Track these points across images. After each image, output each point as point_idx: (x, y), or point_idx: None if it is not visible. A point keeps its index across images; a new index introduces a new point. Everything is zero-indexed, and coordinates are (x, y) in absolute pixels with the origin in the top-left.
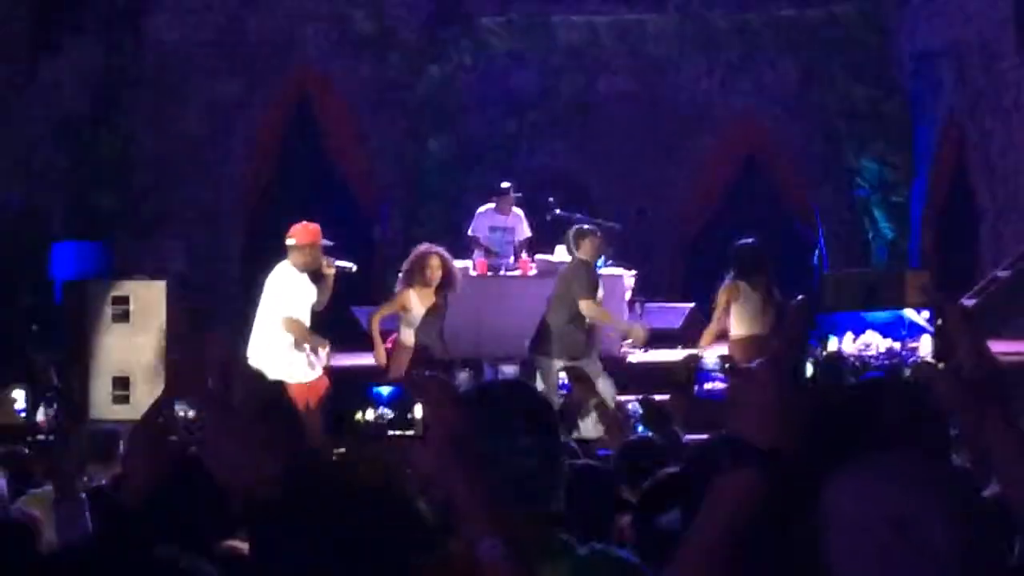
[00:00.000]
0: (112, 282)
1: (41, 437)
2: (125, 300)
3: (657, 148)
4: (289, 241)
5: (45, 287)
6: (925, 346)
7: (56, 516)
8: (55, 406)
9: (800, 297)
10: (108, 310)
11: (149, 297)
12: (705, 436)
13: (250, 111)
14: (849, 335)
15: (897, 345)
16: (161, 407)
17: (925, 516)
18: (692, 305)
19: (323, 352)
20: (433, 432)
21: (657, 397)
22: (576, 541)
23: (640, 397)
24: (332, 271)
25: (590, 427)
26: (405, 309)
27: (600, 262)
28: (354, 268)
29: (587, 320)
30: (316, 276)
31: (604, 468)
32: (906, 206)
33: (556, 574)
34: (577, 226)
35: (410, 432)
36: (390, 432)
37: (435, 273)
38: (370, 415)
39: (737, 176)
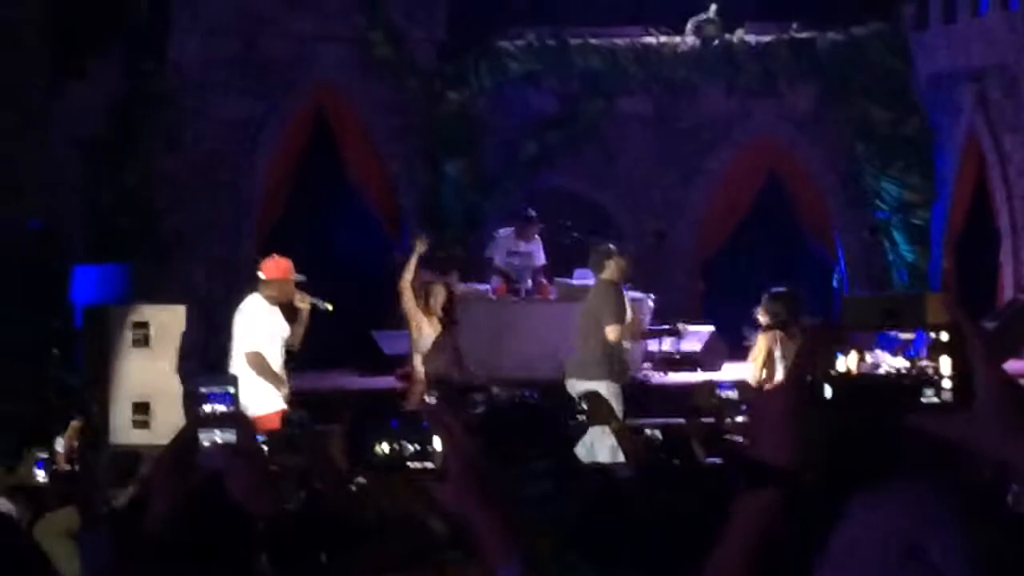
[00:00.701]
0: (132, 307)
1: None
2: (145, 325)
3: (676, 170)
4: (259, 275)
5: (66, 311)
6: (945, 367)
7: (82, 546)
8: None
9: (819, 320)
10: (128, 335)
11: (169, 322)
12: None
13: (269, 131)
14: (853, 354)
15: (908, 363)
16: (187, 435)
17: (938, 545)
18: (712, 328)
19: (283, 391)
20: (451, 465)
21: (676, 421)
22: (593, 564)
23: (661, 423)
24: (306, 306)
25: (607, 452)
26: (419, 330)
27: None
28: (330, 308)
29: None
30: (290, 312)
31: (625, 489)
32: (926, 228)
33: None
34: (600, 246)
35: (429, 464)
36: (408, 464)
37: (438, 301)
38: (388, 448)
39: (756, 198)
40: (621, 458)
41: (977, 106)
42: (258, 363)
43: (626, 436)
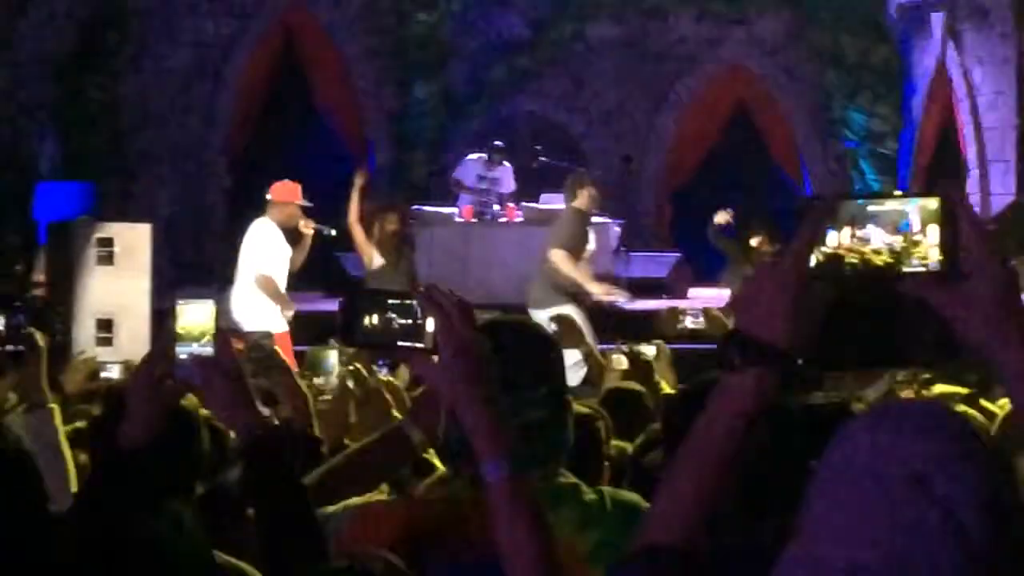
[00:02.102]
0: (97, 223)
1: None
2: (110, 242)
3: (645, 96)
4: (268, 196)
5: (29, 227)
6: (932, 236)
7: (27, 424)
8: (22, 317)
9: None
10: (92, 251)
11: (134, 240)
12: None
13: (237, 52)
14: (846, 229)
15: (900, 239)
16: (163, 347)
17: (944, 477)
18: (678, 254)
19: (288, 313)
20: (442, 346)
21: (640, 347)
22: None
23: (624, 348)
24: (310, 232)
25: (570, 375)
26: (371, 261)
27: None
28: (334, 233)
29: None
30: (294, 236)
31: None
32: (894, 158)
33: (566, 518)
34: (575, 174)
35: (419, 344)
36: (400, 343)
37: (386, 230)
38: (376, 320)
39: (725, 125)
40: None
41: (946, 36)
42: (268, 285)
43: (595, 360)
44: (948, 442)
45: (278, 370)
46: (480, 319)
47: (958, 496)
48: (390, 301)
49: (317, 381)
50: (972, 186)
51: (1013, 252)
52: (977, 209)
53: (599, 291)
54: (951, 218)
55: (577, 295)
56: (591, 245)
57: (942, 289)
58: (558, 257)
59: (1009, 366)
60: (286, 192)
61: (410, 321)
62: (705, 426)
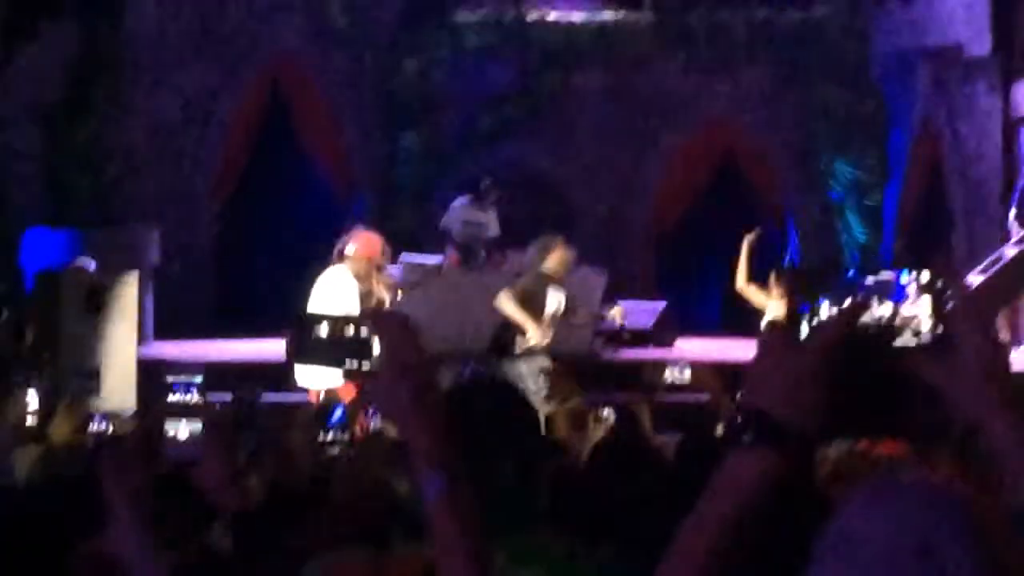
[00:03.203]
0: (84, 272)
1: None
2: (97, 291)
3: (631, 147)
4: (348, 247)
5: (16, 275)
6: (924, 308)
7: None
8: None
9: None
10: (79, 301)
11: (121, 288)
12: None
13: (225, 100)
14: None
15: (889, 309)
16: (153, 423)
17: (953, 545)
18: (664, 304)
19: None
20: (387, 365)
21: (624, 395)
22: (557, 541)
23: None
24: (382, 289)
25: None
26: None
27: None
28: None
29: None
30: (367, 292)
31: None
32: (879, 209)
33: None
34: (546, 235)
35: (366, 365)
36: (347, 364)
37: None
38: (324, 331)
39: (711, 176)
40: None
41: (933, 88)
42: None
43: (582, 413)
44: (956, 516)
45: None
46: (457, 379)
47: (966, 569)
48: (340, 321)
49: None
50: (958, 239)
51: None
52: (964, 268)
53: (538, 336)
54: (941, 292)
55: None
56: (551, 307)
57: (932, 362)
58: (502, 297)
59: (998, 440)
60: (367, 246)
61: (360, 335)
62: (711, 502)
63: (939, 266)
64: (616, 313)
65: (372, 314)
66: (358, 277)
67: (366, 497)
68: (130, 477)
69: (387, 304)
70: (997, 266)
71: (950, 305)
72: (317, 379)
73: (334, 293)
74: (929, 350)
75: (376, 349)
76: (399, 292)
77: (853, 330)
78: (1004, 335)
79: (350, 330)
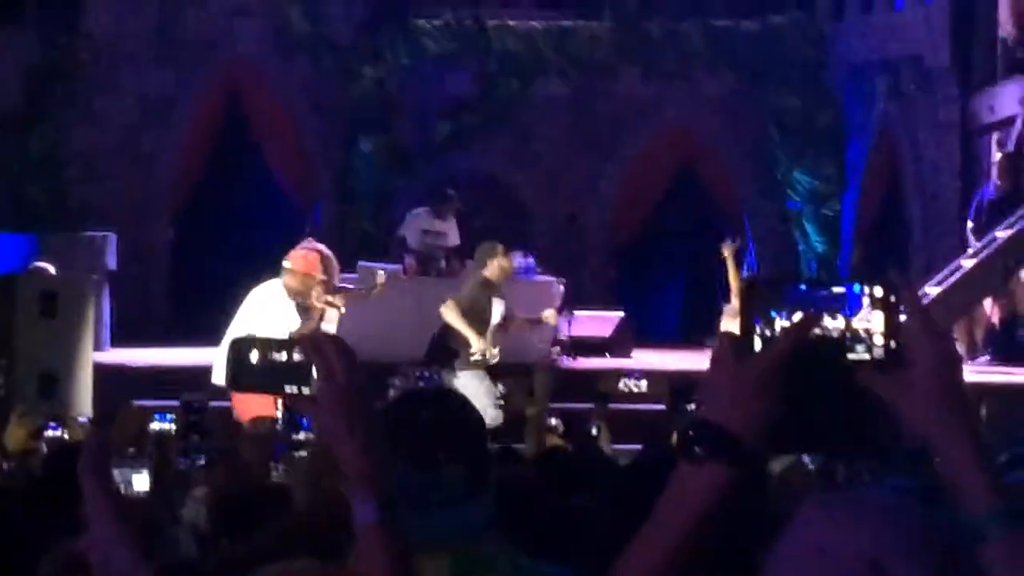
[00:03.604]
0: (41, 277)
1: None
2: (53, 296)
3: (590, 155)
4: (285, 263)
5: None
6: (877, 323)
7: None
8: None
9: (747, 275)
10: (35, 305)
11: (78, 293)
12: (635, 446)
13: (183, 106)
14: (793, 313)
15: (842, 322)
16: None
17: (903, 557)
18: (622, 314)
19: None
20: (324, 390)
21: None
22: (503, 552)
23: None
24: (321, 306)
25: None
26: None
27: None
28: (342, 310)
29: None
30: (304, 307)
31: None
32: (837, 219)
33: None
34: (488, 243)
35: (305, 389)
36: (287, 389)
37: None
38: (259, 358)
39: (669, 185)
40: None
41: (891, 98)
42: None
43: (541, 423)
44: (906, 529)
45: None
46: (407, 386)
47: None
48: (276, 344)
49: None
50: (915, 249)
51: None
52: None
53: (480, 348)
54: (895, 306)
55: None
56: (495, 317)
57: (884, 377)
58: (447, 307)
59: (952, 459)
60: (304, 263)
61: (295, 359)
62: (663, 514)
63: (893, 280)
64: (548, 317)
65: (307, 339)
66: (295, 293)
67: (320, 507)
68: (110, 476)
69: (332, 321)
70: (954, 277)
71: (903, 320)
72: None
73: (263, 309)
74: (881, 364)
75: (314, 373)
76: (343, 308)
77: (805, 343)
78: (960, 348)
79: (283, 355)
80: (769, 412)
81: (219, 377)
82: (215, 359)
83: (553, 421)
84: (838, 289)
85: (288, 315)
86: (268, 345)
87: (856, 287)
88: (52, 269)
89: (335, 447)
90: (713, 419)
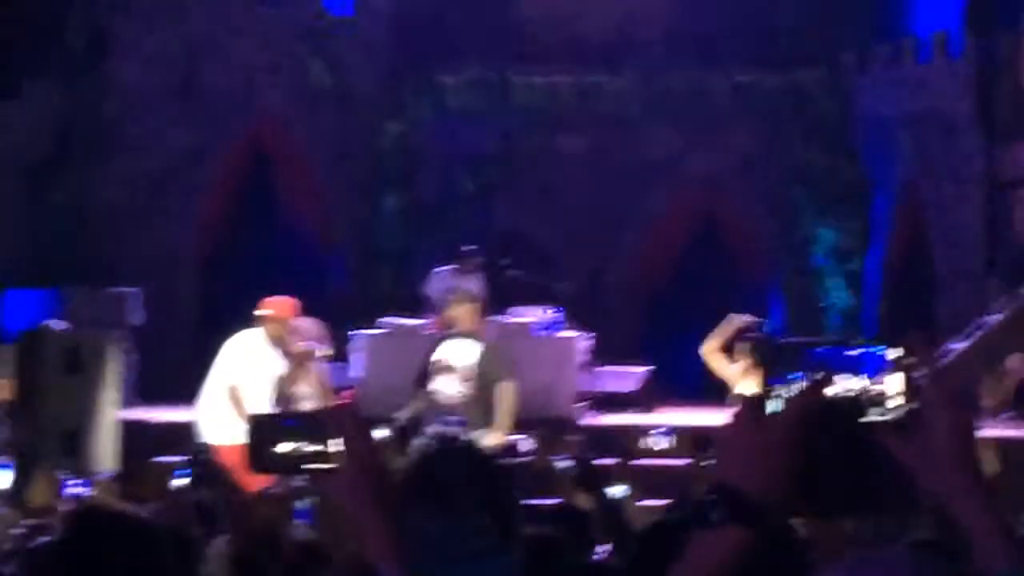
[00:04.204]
0: (65, 333)
1: None
2: (77, 351)
3: (614, 210)
4: (262, 311)
5: None
6: (894, 386)
7: None
8: None
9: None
10: (60, 360)
11: (102, 349)
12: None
13: (208, 159)
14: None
15: (865, 382)
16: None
17: None
18: (648, 368)
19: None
20: (347, 465)
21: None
22: None
23: (575, 457)
24: (301, 352)
25: None
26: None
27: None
28: (330, 352)
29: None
30: (287, 354)
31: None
32: (861, 274)
33: None
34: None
35: (326, 465)
36: (303, 466)
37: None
38: (287, 447)
39: (693, 239)
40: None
41: (915, 153)
42: (233, 397)
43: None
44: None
45: (221, 483)
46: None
47: None
48: (295, 424)
49: None
50: (941, 301)
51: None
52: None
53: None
54: (912, 367)
55: None
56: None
57: (902, 439)
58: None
59: (968, 518)
60: (278, 307)
61: (318, 447)
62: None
63: (911, 341)
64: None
65: (327, 413)
66: (275, 339)
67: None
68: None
69: (312, 367)
70: (980, 332)
71: (920, 382)
72: (222, 434)
73: (247, 355)
74: (898, 426)
75: (333, 447)
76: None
77: (822, 404)
78: (990, 403)
79: (307, 446)
80: (785, 474)
81: (209, 435)
82: (199, 415)
83: (563, 464)
84: (861, 350)
85: (272, 361)
86: (287, 427)
87: (880, 348)
88: (63, 326)
89: (358, 522)
90: (729, 482)
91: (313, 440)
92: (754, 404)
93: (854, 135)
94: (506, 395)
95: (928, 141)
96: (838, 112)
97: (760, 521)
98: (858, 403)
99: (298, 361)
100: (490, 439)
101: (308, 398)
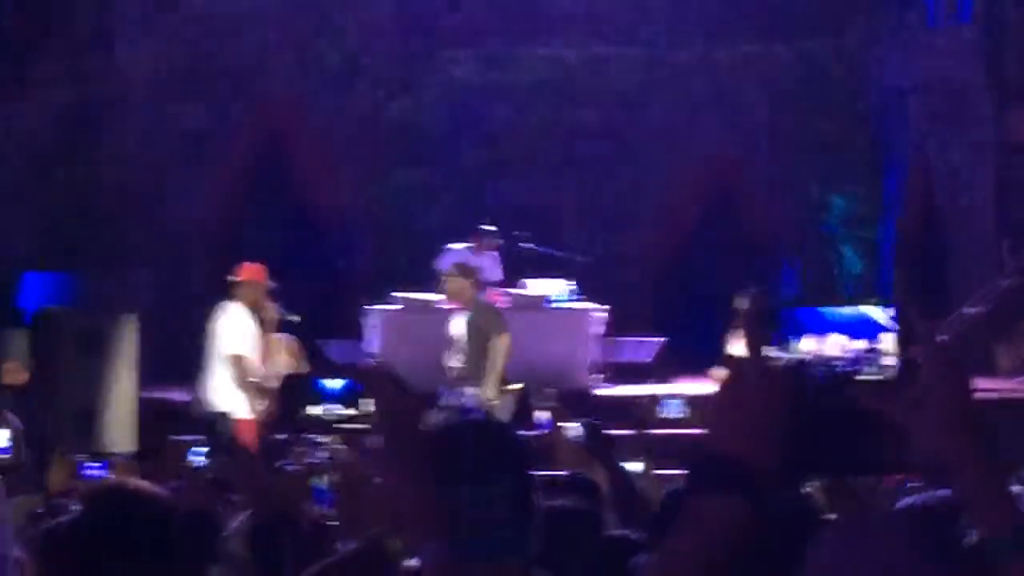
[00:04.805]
0: (81, 314)
1: None
2: (93, 332)
3: (626, 181)
4: (235, 278)
5: (14, 317)
6: (887, 344)
7: None
8: None
9: (753, 292)
10: (75, 343)
11: (118, 330)
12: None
13: (217, 139)
14: (811, 337)
15: (862, 345)
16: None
17: (920, 572)
18: (663, 339)
19: (259, 404)
20: (382, 427)
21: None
22: None
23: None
24: (272, 316)
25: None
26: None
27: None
28: (297, 319)
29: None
30: (259, 318)
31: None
32: (874, 242)
33: None
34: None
35: (359, 426)
36: (336, 426)
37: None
38: (319, 410)
39: (707, 210)
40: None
41: (926, 119)
42: (239, 366)
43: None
44: (923, 543)
45: (235, 455)
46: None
47: None
48: (328, 386)
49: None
50: (954, 268)
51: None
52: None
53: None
54: (907, 328)
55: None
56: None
57: (897, 398)
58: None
59: (967, 483)
60: (253, 272)
61: (352, 408)
62: (675, 546)
63: (905, 303)
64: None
65: (360, 372)
66: (252, 304)
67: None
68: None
69: (273, 326)
70: (993, 296)
71: (917, 344)
72: (234, 406)
73: (239, 328)
74: (892, 385)
75: (367, 406)
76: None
77: (812, 367)
78: (1005, 364)
79: (340, 408)
80: (776, 438)
81: (222, 407)
82: (207, 388)
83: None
84: (857, 311)
85: (251, 328)
86: (319, 392)
87: (873, 310)
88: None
89: (393, 484)
90: (721, 450)
91: (347, 403)
92: (740, 368)
93: (864, 102)
94: (496, 349)
95: (939, 106)
96: (848, 80)
97: (753, 488)
98: (854, 362)
99: (269, 326)
100: (486, 392)
101: (282, 367)
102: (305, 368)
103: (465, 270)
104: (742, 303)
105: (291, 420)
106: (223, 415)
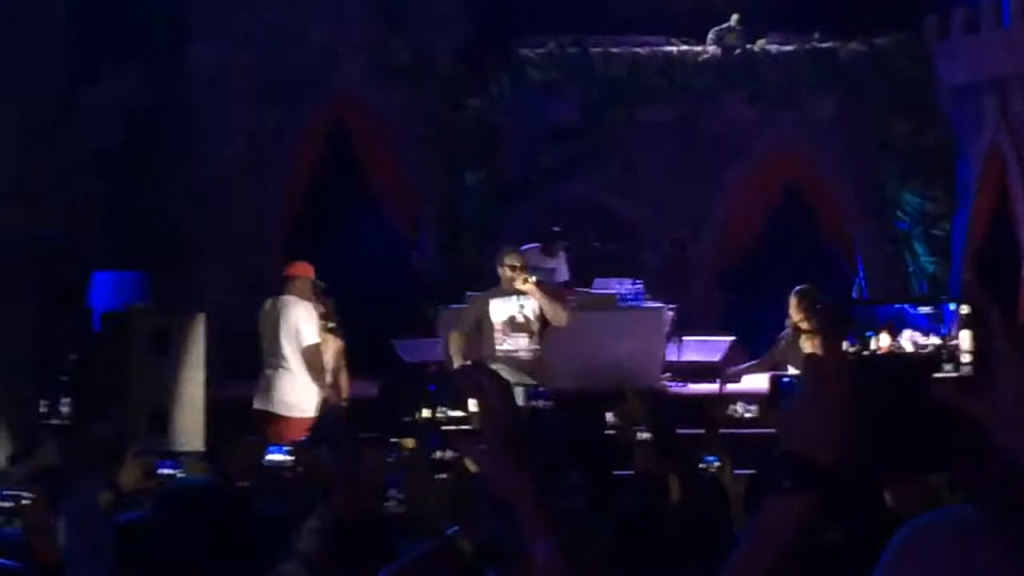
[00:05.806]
0: (151, 313)
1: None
2: (164, 332)
3: (696, 180)
4: (291, 273)
5: (84, 317)
6: (964, 341)
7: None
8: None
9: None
10: (147, 342)
11: (188, 330)
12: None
13: (288, 140)
14: (885, 334)
15: (938, 341)
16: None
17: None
18: (732, 338)
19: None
20: (486, 428)
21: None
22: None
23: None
24: (327, 312)
25: None
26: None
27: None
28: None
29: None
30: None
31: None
32: (947, 239)
33: None
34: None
35: (466, 427)
36: (443, 428)
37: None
38: (426, 414)
39: (776, 208)
40: None
41: (999, 116)
42: (315, 355)
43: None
44: (1000, 547)
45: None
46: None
47: None
48: (431, 387)
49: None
50: None
51: None
52: None
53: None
54: (983, 323)
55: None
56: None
57: (973, 395)
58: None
59: None
60: (303, 268)
61: (458, 410)
62: (746, 556)
63: (979, 298)
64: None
65: (463, 374)
66: (307, 296)
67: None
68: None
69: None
70: None
71: (991, 339)
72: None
73: (302, 316)
74: (969, 382)
75: (472, 406)
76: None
77: (891, 362)
78: None
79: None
80: (852, 437)
81: (297, 400)
82: (283, 385)
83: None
84: (932, 308)
85: (315, 319)
86: (422, 390)
87: (951, 306)
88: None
89: (502, 484)
90: (797, 448)
91: (453, 405)
92: (818, 366)
93: (937, 99)
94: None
95: (1012, 104)
96: (920, 76)
97: (828, 486)
98: (930, 359)
99: (324, 323)
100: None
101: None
102: (345, 371)
103: (514, 257)
104: (798, 301)
105: (404, 423)
106: (333, 408)
